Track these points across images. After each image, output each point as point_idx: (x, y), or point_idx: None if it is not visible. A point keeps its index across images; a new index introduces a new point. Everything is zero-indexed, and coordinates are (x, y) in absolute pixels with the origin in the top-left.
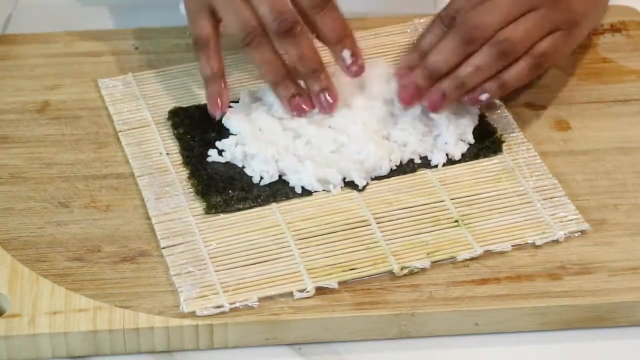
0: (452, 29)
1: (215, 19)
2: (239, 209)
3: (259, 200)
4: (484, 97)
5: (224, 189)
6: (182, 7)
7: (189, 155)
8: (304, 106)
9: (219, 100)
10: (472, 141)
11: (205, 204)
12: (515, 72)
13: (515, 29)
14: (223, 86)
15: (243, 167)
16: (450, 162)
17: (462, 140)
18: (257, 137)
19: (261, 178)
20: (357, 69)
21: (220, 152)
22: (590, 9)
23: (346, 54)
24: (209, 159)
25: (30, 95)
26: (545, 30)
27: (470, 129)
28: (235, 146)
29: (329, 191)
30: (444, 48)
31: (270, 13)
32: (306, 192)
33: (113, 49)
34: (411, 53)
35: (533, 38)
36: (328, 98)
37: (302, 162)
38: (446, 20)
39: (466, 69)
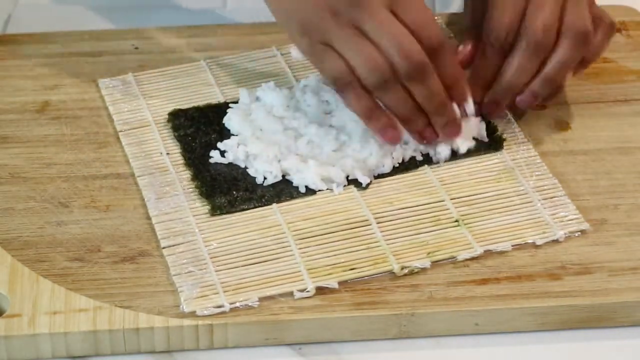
0: (517, 44)
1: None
2: (243, 210)
3: (263, 200)
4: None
5: (227, 190)
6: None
7: (191, 156)
8: (431, 136)
9: (392, 131)
10: (486, 139)
11: (209, 205)
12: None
13: (573, 13)
14: (386, 115)
15: (246, 167)
16: (451, 157)
17: (474, 138)
18: (258, 137)
19: (264, 178)
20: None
21: (222, 153)
22: None
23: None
24: (212, 160)
25: (30, 95)
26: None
27: (484, 127)
28: (238, 147)
29: (331, 190)
30: (520, 64)
31: (400, 54)
32: (310, 192)
33: (113, 49)
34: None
35: (587, 12)
36: (453, 129)
37: (305, 162)
38: (498, 42)
39: (553, 67)
